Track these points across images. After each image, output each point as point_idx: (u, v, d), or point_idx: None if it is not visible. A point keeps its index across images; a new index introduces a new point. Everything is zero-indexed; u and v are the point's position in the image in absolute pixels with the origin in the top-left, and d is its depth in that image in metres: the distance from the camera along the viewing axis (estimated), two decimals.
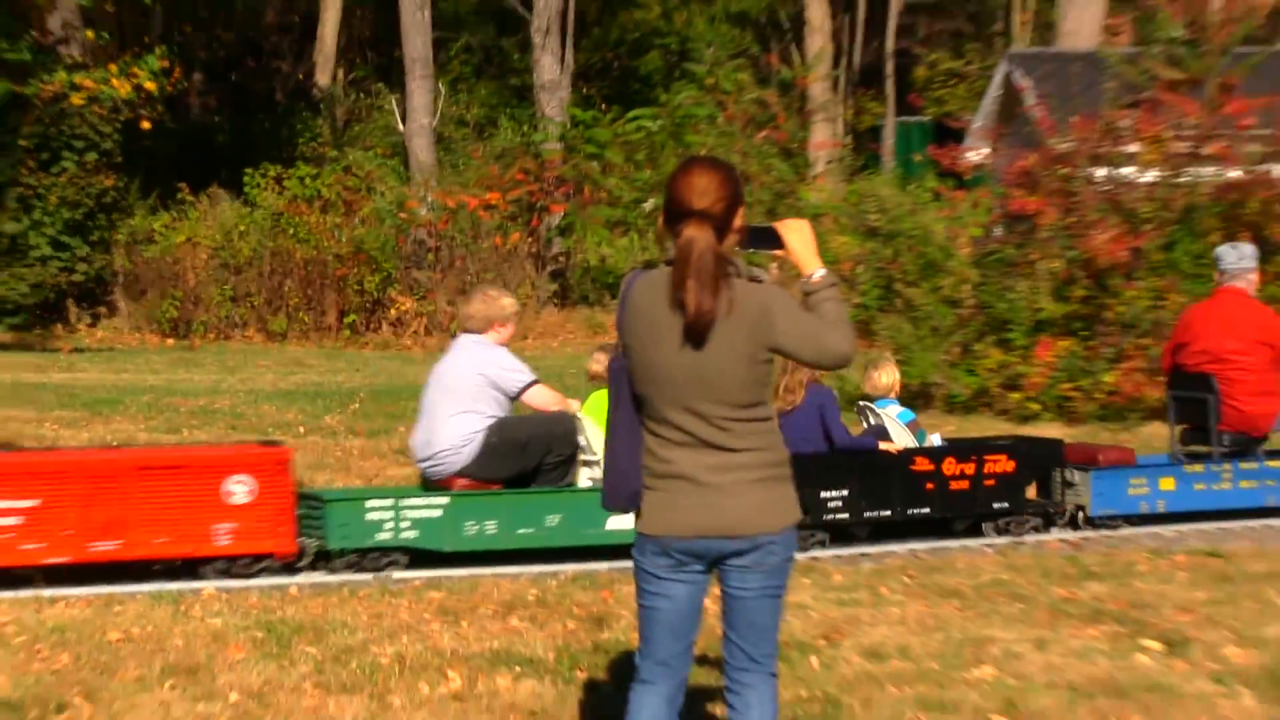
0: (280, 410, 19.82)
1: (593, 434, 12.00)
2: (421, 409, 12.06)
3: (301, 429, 17.80)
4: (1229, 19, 22.84)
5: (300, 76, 44.54)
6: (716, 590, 5.94)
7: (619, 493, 5.97)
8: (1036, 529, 13.05)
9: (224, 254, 33.05)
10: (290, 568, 11.32)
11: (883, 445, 12.93)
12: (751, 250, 6.06)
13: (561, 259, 35.73)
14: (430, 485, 11.92)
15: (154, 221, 33.75)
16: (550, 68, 39.12)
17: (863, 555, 12.03)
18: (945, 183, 24.76)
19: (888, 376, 13.67)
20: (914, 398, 19.59)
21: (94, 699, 7.92)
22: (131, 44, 38.10)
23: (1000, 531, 12.90)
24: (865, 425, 13.34)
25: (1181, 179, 20.17)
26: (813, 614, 9.88)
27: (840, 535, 12.52)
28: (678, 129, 36.36)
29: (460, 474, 11.73)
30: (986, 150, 27.73)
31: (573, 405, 12.37)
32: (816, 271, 5.91)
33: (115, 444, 15.42)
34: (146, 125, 33.98)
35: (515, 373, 11.99)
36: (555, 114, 38.40)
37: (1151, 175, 20.27)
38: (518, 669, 8.53)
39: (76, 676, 8.31)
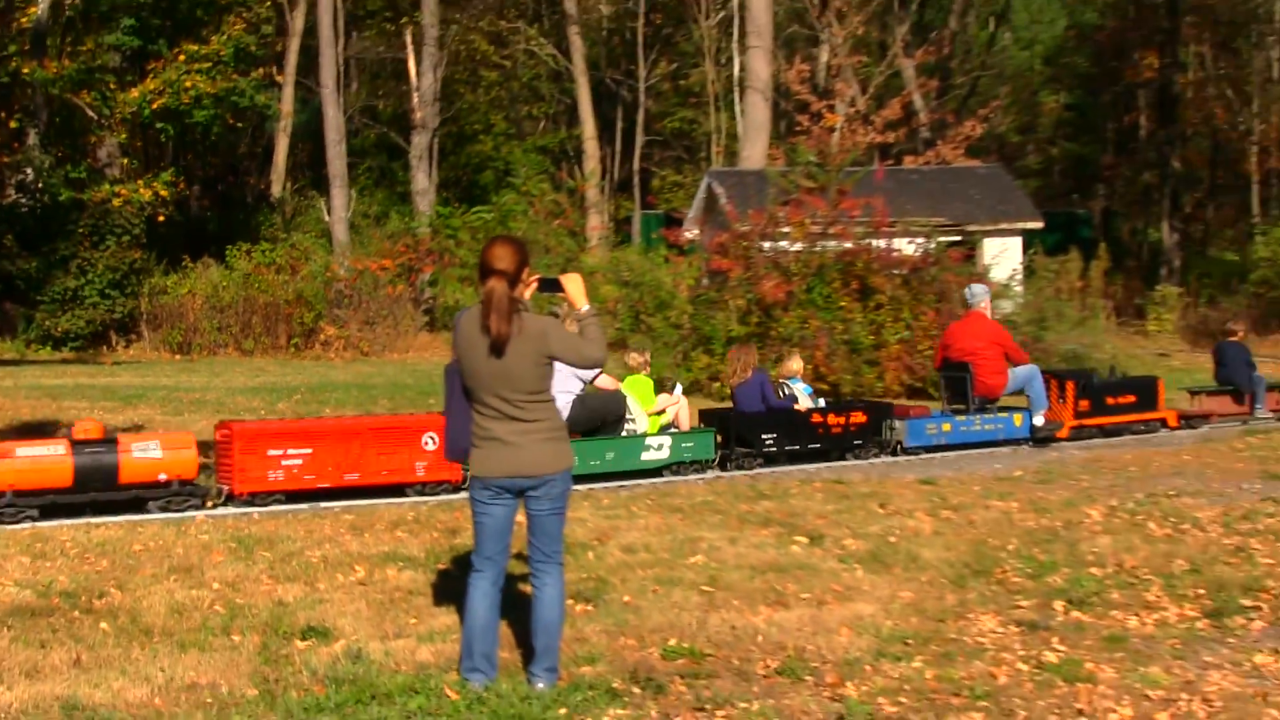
0: (249, 399, 19.32)
1: (632, 404, 12.44)
2: None
3: (263, 411, 17.37)
4: (842, 150, 23.33)
5: (262, 187, 43.60)
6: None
7: (455, 449, 5.94)
8: (877, 454, 13.79)
9: (213, 300, 32.22)
10: (457, 489, 11.27)
11: (795, 407, 13.64)
12: (546, 293, 6.04)
13: (430, 301, 35.32)
14: None
15: (167, 280, 32.88)
16: (422, 180, 38.80)
17: (621, 487, 11.92)
18: (671, 252, 24.86)
19: (796, 364, 14.51)
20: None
21: (124, 589, 7.69)
22: (153, 166, 37.41)
23: (857, 456, 13.65)
24: (783, 394, 13.86)
25: (816, 248, 20.42)
26: (589, 524, 9.82)
27: (770, 460, 13.17)
28: (504, 218, 36.24)
29: None
30: (696, 231, 27.91)
31: (621, 385, 12.68)
32: (585, 307, 5.92)
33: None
34: (161, 218, 33.57)
35: (590, 368, 11.94)
36: (425, 210, 38.13)
37: (798, 246, 20.50)
38: (401, 564, 8.40)
39: (112, 574, 8.07)
